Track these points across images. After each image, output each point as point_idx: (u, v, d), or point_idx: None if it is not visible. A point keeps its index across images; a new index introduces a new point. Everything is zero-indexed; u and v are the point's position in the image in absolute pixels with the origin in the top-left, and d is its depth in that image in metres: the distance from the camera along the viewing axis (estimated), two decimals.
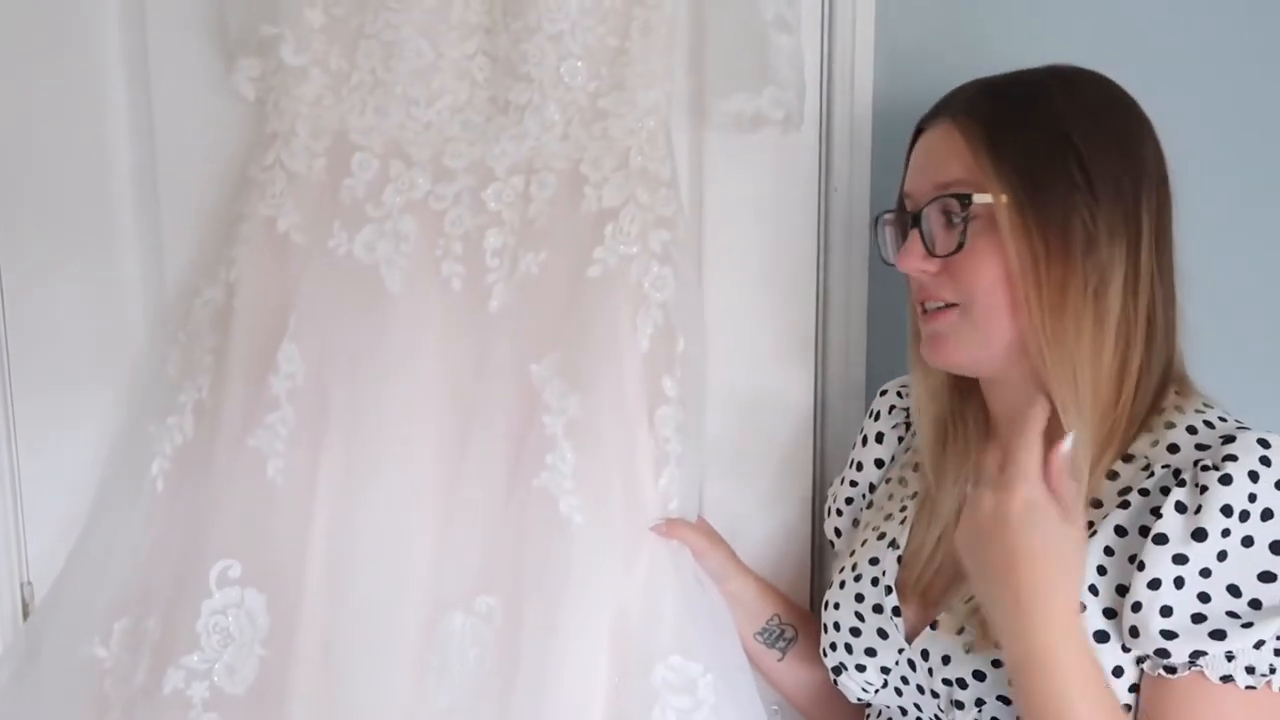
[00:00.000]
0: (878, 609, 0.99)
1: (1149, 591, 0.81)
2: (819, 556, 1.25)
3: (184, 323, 1.16)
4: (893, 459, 1.12)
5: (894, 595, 0.98)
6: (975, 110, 0.92)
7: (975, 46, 1.18)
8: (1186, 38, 1.20)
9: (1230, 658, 0.79)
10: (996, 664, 0.88)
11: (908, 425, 1.11)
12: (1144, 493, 0.85)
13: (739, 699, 1.06)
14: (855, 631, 1.01)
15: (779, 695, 1.18)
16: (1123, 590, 0.83)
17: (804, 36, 1.12)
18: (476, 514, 1.09)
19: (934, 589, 0.97)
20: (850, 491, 1.14)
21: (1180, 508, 0.82)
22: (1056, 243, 0.87)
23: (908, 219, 0.96)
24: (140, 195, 1.18)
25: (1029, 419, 0.84)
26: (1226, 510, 0.80)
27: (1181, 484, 0.83)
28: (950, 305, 0.93)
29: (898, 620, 0.98)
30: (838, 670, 1.03)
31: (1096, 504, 0.88)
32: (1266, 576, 0.80)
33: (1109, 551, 0.85)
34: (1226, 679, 0.80)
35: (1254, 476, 0.80)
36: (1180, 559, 0.81)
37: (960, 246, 0.90)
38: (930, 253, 0.93)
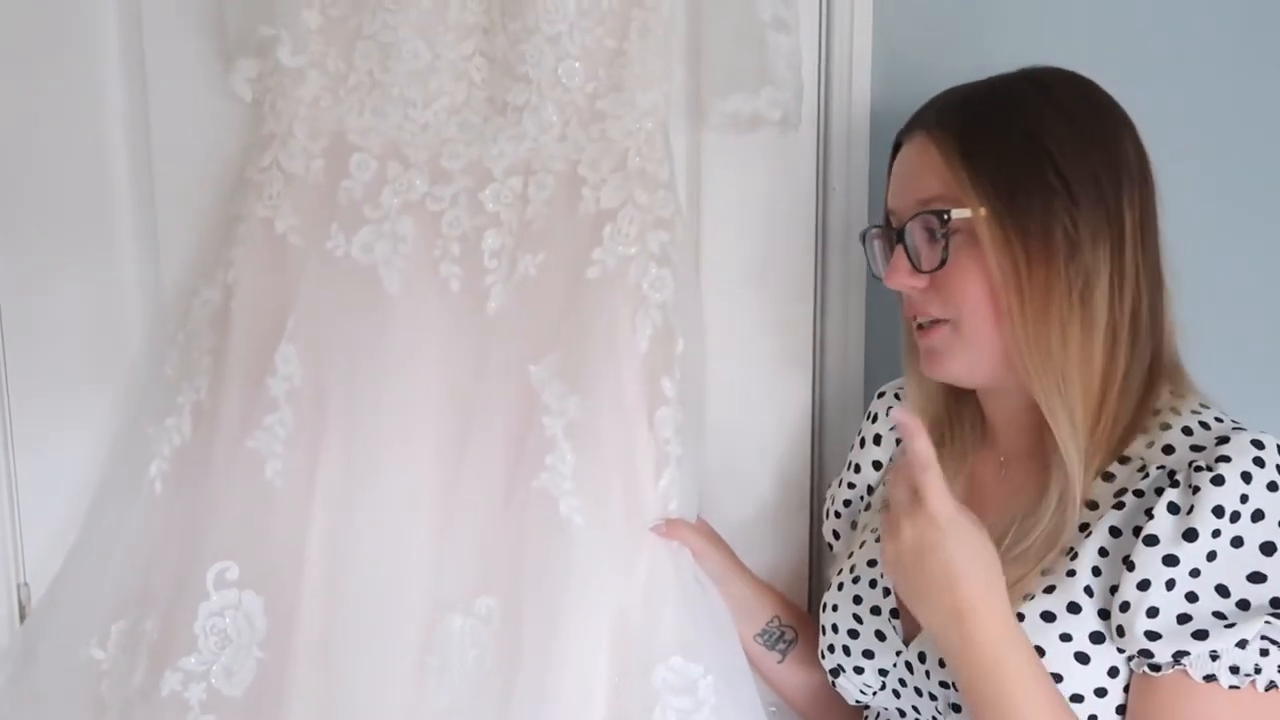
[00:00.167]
0: (875, 611, 0.99)
1: (1138, 592, 0.82)
2: (817, 558, 1.25)
3: (182, 324, 1.17)
4: (891, 460, 1.12)
5: (892, 597, 0.99)
6: (948, 122, 0.93)
7: (973, 47, 1.18)
8: (1184, 37, 1.20)
9: (1214, 657, 0.80)
10: None
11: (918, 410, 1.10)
12: (1138, 494, 0.86)
13: (739, 700, 1.06)
14: (853, 633, 1.01)
15: (778, 697, 1.18)
16: (1116, 591, 0.84)
17: (801, 37, 1.13)
18: (476, 515, 1.09)
19: None
20: (848, 493, 1.14)
21: (1172, 508, 0.82)
22: (1038, 250, 0.88)
23: (893, 235, 0.96)
24: (138, 196, 1.18)
25: (909, 436, 0.84)
26: (1218, 511, 0.81)
27: (1175, 485, 0.83)
28: (942, 320, 0.92)
29: (895, 622, 0.98)
30: (836, 672, 1.04)
31: (1092, 505, 0.89)
32: (1256, 577, 0.81)
33: (1103, 553, 0.86)
34: (1210, 678, 0.80)
35: (1246, 477, 0.81)
36: (1171, 560, 0.81)
37: (944, 262, 0.90)
38: (916, 269, 0.93)
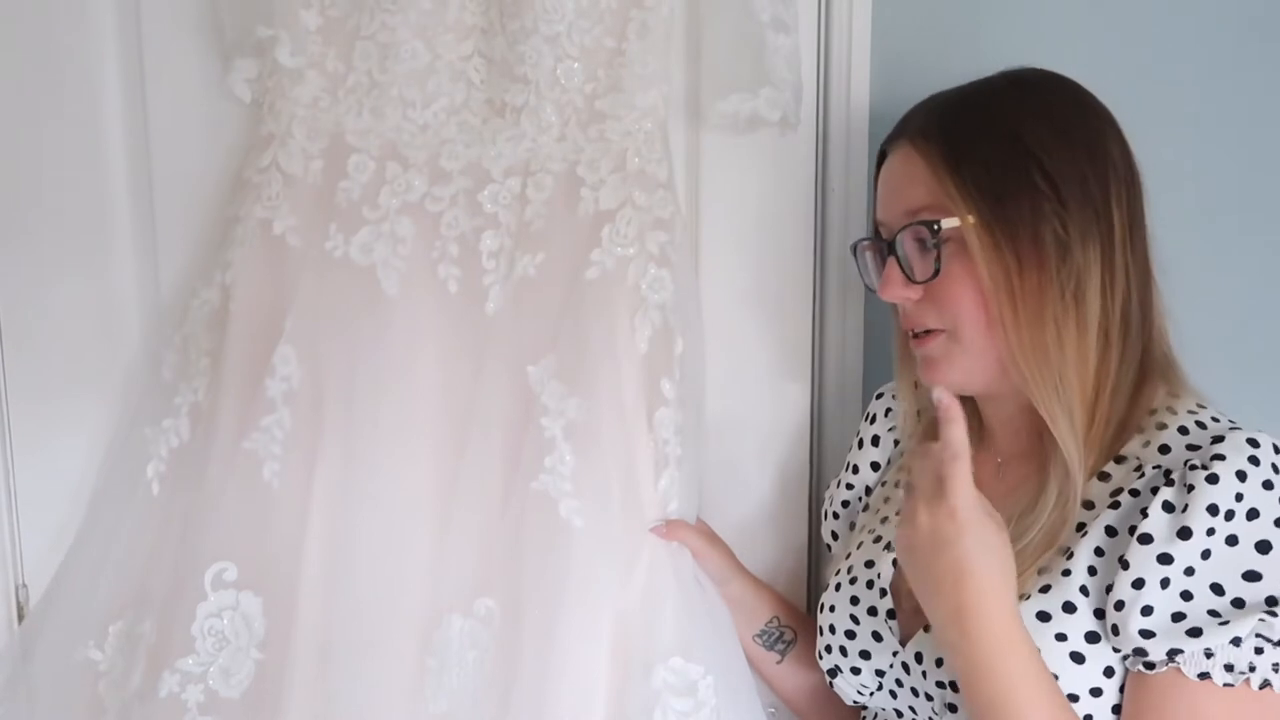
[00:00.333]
0: (872, 612, 1.00)
1: (1133, 591, 0.82)
2: (816, 559, 1.25)
3: (180, 325, 1.17)
4: (889, 462, 1.12)
5: (888, 598, 0.99)
6: (931, 131, 0.93)
7: (971, 48, 1.19)
8: (1182, 38, 1.21)
9: (1209, 655, 0.81)
10: None
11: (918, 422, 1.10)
12: (1134, 493, 0.87)
13: (739, 701, 1.07)
14: (850, 634, 1.01)
15: (777, 698, 1.18)
16: (1111, 590, 0.84)
17: (800, 38, 1.13)
18: (475, 516, 1.09)
19: None
20: (847, 494, 1.14)
21: (1167, 507, 0.83)
22: (1029, 255, 0.88)
23: (884, 246, 0.96)
24: (136, 197, 1.18)
25: (947, 421, 0.83)
26: (1212, 509, 0.81)
27: (1170, 484, 0.84)
28: (938, 329, 0.93)
29: (892, 623, 0.98)
30: (833, 673, 1.04)
31: (1088, 505, 0.89)
32: (1251, 575, 0.81)
33: (1099, 552, 0.87)
34: (1204, 676, 0.81)
35: (1241, 476, 0.81)
36: (1165, 559, 0.82)
37: (937, 272, 0.91)
38: (910, 280, 0.93)
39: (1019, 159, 0.89)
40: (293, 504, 1.09)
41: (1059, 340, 0.88)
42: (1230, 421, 0.89)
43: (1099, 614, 0.85)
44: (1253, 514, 0.81)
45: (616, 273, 1.09)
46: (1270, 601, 0.80)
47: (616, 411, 1.08)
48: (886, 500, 1.09)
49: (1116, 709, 0.86)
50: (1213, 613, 0.81)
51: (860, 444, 1.14)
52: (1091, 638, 0.85)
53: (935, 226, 0.90)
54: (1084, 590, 0.86)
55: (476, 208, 1.12)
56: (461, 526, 1.09)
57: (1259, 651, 0.80)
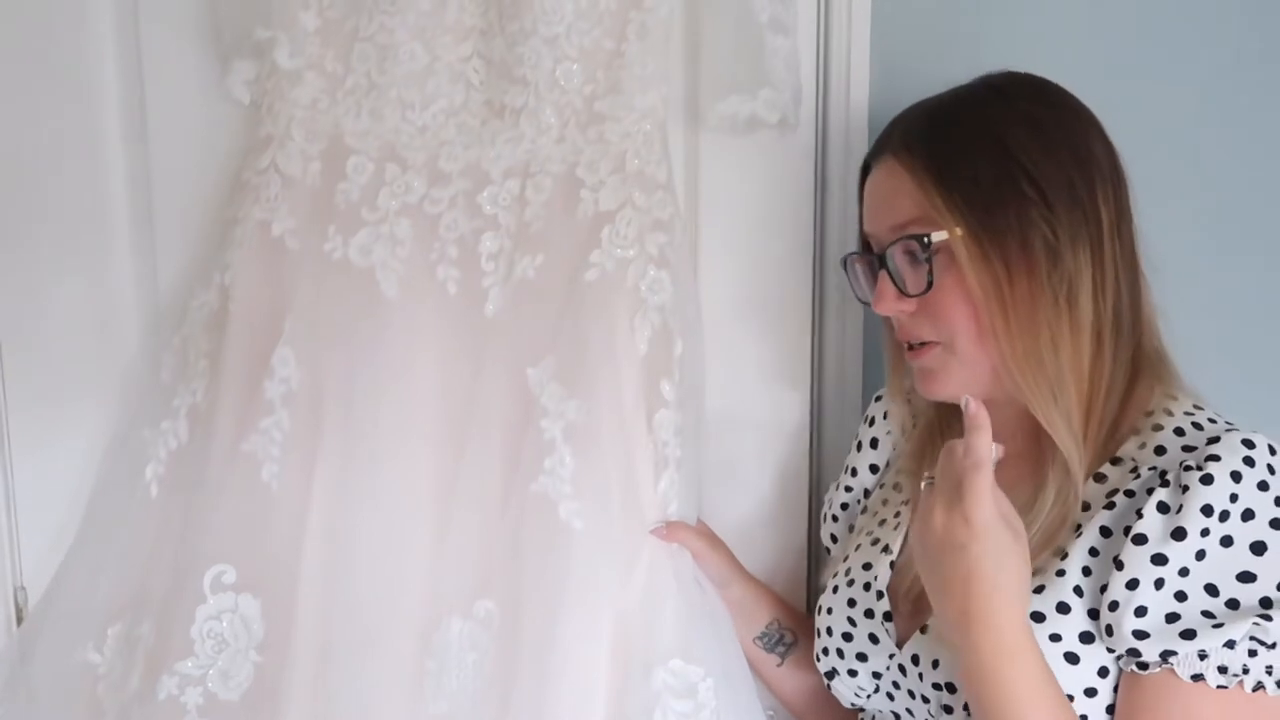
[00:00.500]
0: (869, 614, 1.00)
1: (1127, 591, 0.83)
2: (815, 561, 1.26)
3: (178, 327, 1.17)
4: (887, 464, 1.13)
5: (885, 600, 0.99)
6: (914, 144, 0.93)
7: (970, 49, 1.19)
8: (1182, 38, 1.21)
9: (1203, 656, 0.81)
10: None
11: (911, 428, 1.10)
12: (1129, 494, 0.87)
13: (739, 703, 1.07)
14: (847, 636, 1.01)
15: (777, 700, 1.18)
16: (1106, 590, 0.85)
17: (799, 39, 1.13)
18: (474, 518, 1.09)
19: (925, 594, 0.97)
20: (845, 497, 1.15)
21: (1162, 508, 0.83)
22: (1018, 263, 0.88)
23: (874, 260, 0.96)
24: (134, 199, 1.19)
25: (972, 429, 0.81)
26: (1207, 510, 0.81)
27: (1165, 485, 0.84)
28: (933, 341, 0.93)
29: (889, 625, 0.98)
30: (830, 675, 1.04)
31: (1084, 506, 0.90)
32: (1245, 577, 0.82)
33: (1094, 552, 0.87)
34: (1198, 678, 0.81)
35: (1236, 476, 0.82)
36: (1159, 559, 0.82)
37: (930, 285, 0.91)
38: (903, 293, 0.93)
39: (1005, 167, 0.89)
40: (292, 506, 1.09)
41: (1053, 346, 0.88)
42: (1226, 422, 0.90)
43: (1093, 614, 0.86)
44: (1248, 515, 0.82)
45: (616, 274, 1.09)
46: (1265, 603, 0.81)
47: (616, 413, 1.08)
48: (885, 503, 1.09)
49: (1111, 709, 0.86)
50: (1207, 613, 0.81)
51: (859, 447, 1.15)
52: (1085, 638, 0.86)
53: (926, 240, 0.90)
54: (1078, 591, 0.86)
55: (475, 209, 1.12)
56: (461, 528, 1.09)
57: (1253, 654, 0.80)
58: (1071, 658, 0.86)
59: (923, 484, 0.86)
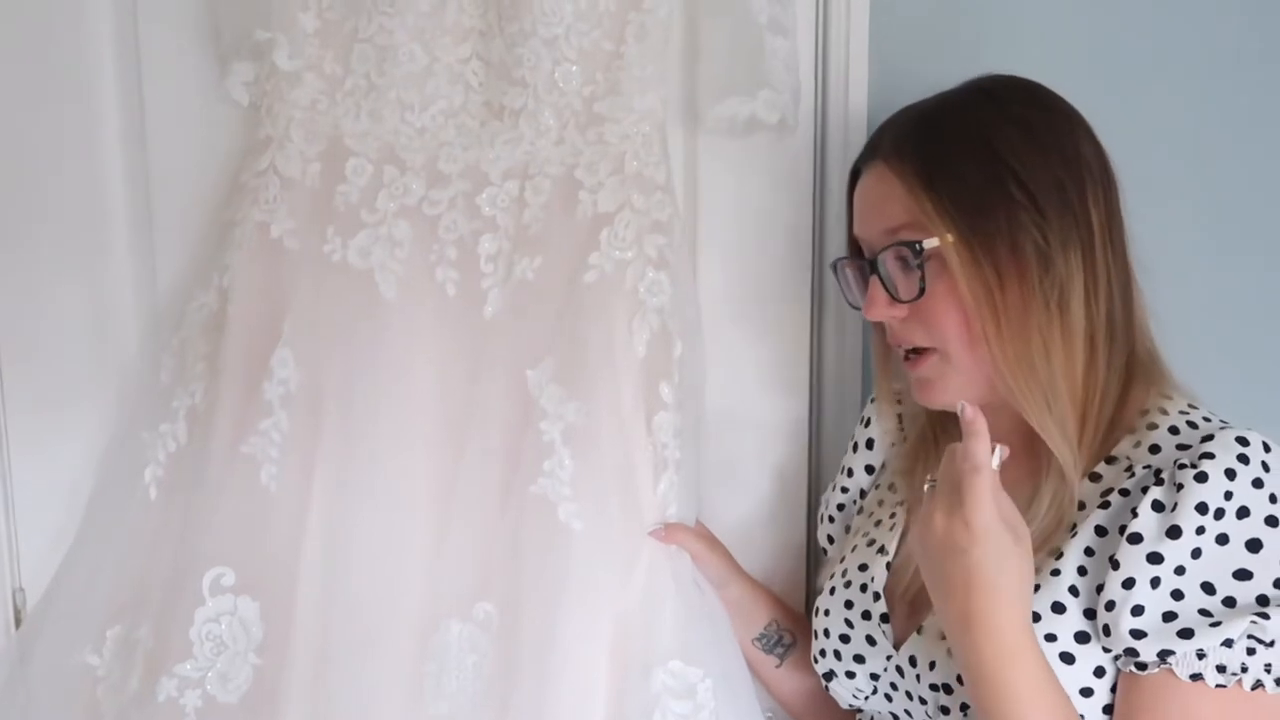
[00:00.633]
0: (866, 615, 1.00)
1: (1123, 590, 0.83)
2: (814, 562, 1.26)
3: (177, 329, 1.17)
4: (883, 465, 1.13)
5: (882, 601, 0.99)
6: (904, 149, 0.94)
7: (968, 51, 1.20)
8: (1181, 40, 1.21)
9: (1201, 656, 0.81)
10: None
11: (900, 431, 1.10)
12: (1124, 493, 0.88)
13: (738, 704, 1.08)
14: (844, 638, 1.02)
15: (775, 701, 1.18)
16: (1102, 590, 0.85)
17: (798, 40, 1.13)
18: (473, 520, 1.09)
19: (922, 595, 0.98)
20: (842, 498, 1.15)
21: (1157, 506, 0.84)
22: (1009, 268, 0.89)
23: (865, 265, 0.96)
24: (133, 200, 1.19)
25: (969, 434, 0.82)
26: (1202, 508, 0.82)
27: (1160, 483, 0.85)
28: (929, 349, 0.92)
29: (885, 627, 0.98)
30: (828, 676, 1.05)
31: (1079, 506, 0.90)
32: (1241, 574, 0.82)
33: (1089, 552, 0.87)
34: (1196, 677, 0.82)
35: (1230, 474, 0.82)
36: (1155, 558, 0.83)
37: (922, 291, 0.91)
38: (894, 299, 0.93)
39: (995, 171, 0.89)
40: (291, 508, 1.10)
41: (1045, 352, 0.88)
42: (1221, 421, 0.90)
43: (1089, 614, 0.86)
44: (1243, 512, 0.82)
45: (615, 276, 1.09)
46: (1261, 601, 0.81)
47: (615, 415, 1.08)
48: (880, 504, 1.09)
49: (1108, 709, 0.87)
50: (1204, 612, 0.82)
51: (855, 448, 1.15)
52: (1081, 638, 0.86)
53: (917, 246, 0.90)
54: (1074, 590, 0.87)
55: (475, 211, 1.12)
56: (460, 530, 1.09)
57: (1251, 653, 0.81)
58: (1067, 658, 0.86)
59: (925, 487, 0.86)
